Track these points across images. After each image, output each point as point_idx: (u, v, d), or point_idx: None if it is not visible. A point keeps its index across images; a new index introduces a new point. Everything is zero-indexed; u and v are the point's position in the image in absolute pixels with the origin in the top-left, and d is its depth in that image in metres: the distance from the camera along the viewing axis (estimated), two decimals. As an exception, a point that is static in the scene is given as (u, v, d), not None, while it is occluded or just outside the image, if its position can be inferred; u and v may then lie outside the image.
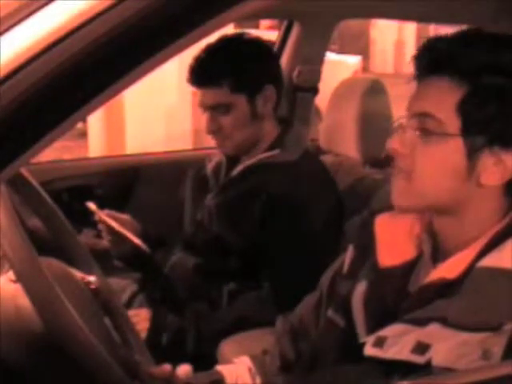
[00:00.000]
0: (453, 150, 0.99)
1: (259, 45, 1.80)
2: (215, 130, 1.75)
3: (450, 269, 1.01)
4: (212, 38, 1.49)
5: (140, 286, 1.86)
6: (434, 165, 1.00)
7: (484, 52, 0.98)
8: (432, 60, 1.02)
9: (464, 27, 1.09)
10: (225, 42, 1.75)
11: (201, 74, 1.73)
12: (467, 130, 0.98)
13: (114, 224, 1.74)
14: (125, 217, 1.90)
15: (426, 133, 1.00)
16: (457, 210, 1.03)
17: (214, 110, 1.73)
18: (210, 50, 1.73)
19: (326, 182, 1.82)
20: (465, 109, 0.98)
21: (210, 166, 1.90)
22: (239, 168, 1.80)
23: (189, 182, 1.96)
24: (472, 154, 0.98)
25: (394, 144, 1.03)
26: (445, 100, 0.99)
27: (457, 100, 0.98)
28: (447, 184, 1.01)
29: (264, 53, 1.83)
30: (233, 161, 1.83)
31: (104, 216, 1.74)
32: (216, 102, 1.72)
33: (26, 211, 1.23)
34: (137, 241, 1.78)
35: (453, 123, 0.99)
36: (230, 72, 1.71)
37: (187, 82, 1.76)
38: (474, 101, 0.98)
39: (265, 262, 1.70)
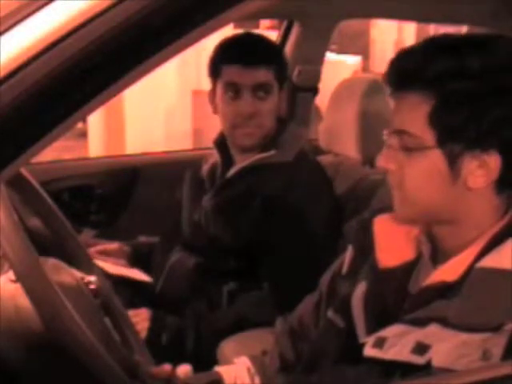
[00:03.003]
0: (434, 161, 1.00)
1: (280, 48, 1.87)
2: (253, 114, 1.71)
3: (449, 271, 1.01)
4: (212, 38, 1.49)
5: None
6: (420, 176, 1.02)
7: (446, 60, 0.98)
8: (399, 76, 1.03)
9: (464, 27, 1.10)
10: (255, 33, 1.82)
11: (254, 51, 1.73)
12: (443, 140, 0.99)
13: (108, 268, 1.72)
14: (114, 246, 1.93)
15: (406, 148, 1.02)
16: (452, 215, 1.03)
17: (257, 90, 1.71)
18: (252, 35, 1.79)
19: (322, 182, 1.82)
20: (436, 119, 0.99)
21: (205, 168, 1.89)
22: (235, 169, 1.80)
23: (186, 182, 1.96)
24: (453, 161, 0.99)
25: (381, 162, 1.06)
26: (416, 114, 1.00)
27: (427, 112, 0.99)
28: (437, 192, 1.02)
29: (284, 56, 1.91)
30: (228, 162, 1.82)
31: (96, 258, 1.72)
32: (264, 81, 1.72)
33: (26, 211, 1.23)
34: (134, 274, 1.79)
35: (428, 136, 1.00)
36: (275, 57, 1.77)
37: (226, 61, 1.73)
38: (443, 110, 0.98)
39: (263, 262, 1.70)
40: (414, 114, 1.01)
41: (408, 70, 1.01)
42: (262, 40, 1.78)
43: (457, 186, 1.00)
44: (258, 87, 1.71)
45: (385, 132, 1.07)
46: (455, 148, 0.99)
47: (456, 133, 0.98)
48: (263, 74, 1.72)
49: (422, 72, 0.99)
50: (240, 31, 1.84)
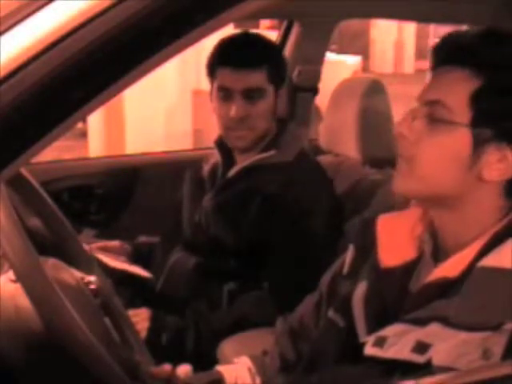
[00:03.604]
0: (459, 139, 0.99)
1: (278, 46, 1.85)
2: (244, 117, 1.70)
3: (450, 268, 1.01)
4: (212, 38, 1.49)
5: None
6: (437, 153, 1.01)
7: (503, 49, 0.99)
8: (452, 50, 1.03)
9: (464, 27, 1.10)
10: (251, 33, 1.78)
11: (243, 56, 1.70)
12: (477, 122, 0.98)
13: (108, 262, 1.73)
14: (115, 243, 1.93)
15: (434, 120, 1.01)
16: (456, 202, 1.03)
17: (247, 94, 1.70)
18: (246, 36, 1.75)
19: (322, 182, 1.82)
20: (477, 100, 0.98)
21: (206, 168, 1.89)
22: (235, 169, 1.80)
23: (186, 182, 1.96)
24: (478, 146, 0.98)
25: (401, 128, 1.04)
26: (459, 89, 1.00)
27: (471, 90, 0.99)
28: (448, 173, 1.01)
29: (282, 54, 1.91)
30: (229, 162, 1.83)
31: (97, 253, 1.72)
32: (254, 85, 1.70)
33: (26, 211, 1.23)
34: (134, 269, 1.79)
35: (463, 113, 0.99)
36: (268, 59, 1.72)
37: (218, 65, 1.72)
38: (488, 93, 0.98)
39: (263, 262, 1.70)
40: (457, 88, 1.00)
41: (464, 47, 1.01)
42: (255, 41, 1.75)
43: (470, 174, 1.00)
44: (250, 91, 1.70)
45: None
46: (485, 133, 0.98)
47: (492, 119, 0.98)
48: (254, 78, 1.70)
49: (479, 53, 0.99)
50: (240, 31, 1.84)
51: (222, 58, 1.71)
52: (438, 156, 1.01)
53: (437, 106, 1.00)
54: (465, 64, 1.00)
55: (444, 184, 1.02)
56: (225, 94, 1.71)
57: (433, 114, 1.01)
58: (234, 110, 1.69)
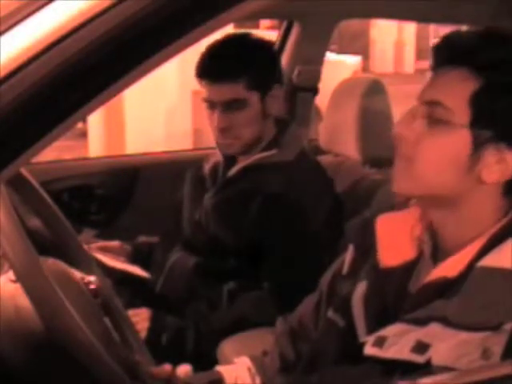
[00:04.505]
0: (458, 140, 0.99)
1: (267, 45, 1.80)
2: (226, 128, 1.71)
3: (449, 267, 1.01)
4: (212, 38, 1.49)
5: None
6: (437, 153, 1.00)
7: (503, 49, 0.98)
8: (451, 51, 1.02)
9: (464, 27, 1.10)
10: (234, 39, 1.75)
11: (217, 69, 1.69)
12: (476, 123, 0.98)
13: (106, 261, 1.73)
14: (114, 243, 1.93)
15: (433, 120, 1.00)
16: (455, 203, 1.03)
17: (227, 106, 1.70)
18: (223, 46, 1.71)
19: (323, 182, 1.82)
20: (477, 101, 0.98)
21: (207, 167, 1.89)
22: (236, 168, 1.80)
23: (187, 182, 1.96)
24: (477, 147, 0.98)
25: (400, 128, 1.03)
26: (458, 89, 0.99)
27: (470, 91, 0.99)
28: (447, 174, 1.01)
29: (272, 53, 1.85)
30: (230, 161, 1.83)
31: (96, 253, 1.72)
32: (231, 97, 1.69)
33: (26, 211, 1.23)
34: (133, 270, 1.79)
35: (462, 113, 0.99)
36: (246, 68, 1.69)
37: (198, 77, 1.72)
38: (487, 94, 0.98)
39: (264, 261, 1.70)
40: (457, 89, 0.99)
41: (463, 48, 1.00)
42: (231, 52, 1.71)
43: (470, 175, 0.99)
44: (229, 103, 1.69)
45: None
46: (484, 134, 0.98)
47: (491, 119, 0.98)
48: (231, 90, 1.68)
49: (478, 53, 0.99)
50: (240, 31, 1.84)
51: (200, 71, 1.71)
52: (438, 156, 1.00)
53: (436, 107, 1.00)
54: (464, 64, 1.00)
55: (443, 184, 1.02)
56: (209, 105, 1.73)
57: (432, 115, 1.00)
58: (216, 121, 1.71)
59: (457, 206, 1.03)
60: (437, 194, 1.03)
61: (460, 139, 0.99)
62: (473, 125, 0.98)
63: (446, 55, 1.03)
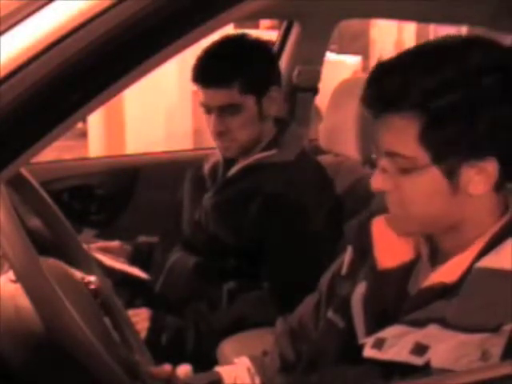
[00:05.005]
0: (431, 177, 0.99)
1: (264, 46, 1.80)
2: (223, 132, 1.72)
3: (448, 272, 1.01)
4: (212, 38, 1.49)
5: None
6: (420, 194, 1.01)
7: (424, 77, 0.96)
8: (381, 101, 1.01)
9: (464, 27, 1.09)
10: (229, 42, 1.74)
11: (210, 74, 1.70)
12: (437, 157, 0.98)
13: (106, 261, 1.73)
14: (114, 244, 1.92)
15: (401, 170, 1.01)
16: (454, 222, 1.03)
17: (223, 111, 1.70)
18: (217, 50, 1.71)
19: (323, 182, 1.82)
20: (427, 138, 0.97)
21: (207, 167, 1.90)
22: (236, 168, 1.80)
23: (187, 182, 1.96)
24: (451, 175, 0.98)
25: (376, 184, 1.04)
26: (405, 137, 0.99)
27: (416, 133, 0.98)
28: (439, 206, 1.01)
29: (269, 54, 1.85)
30: (230, 161, 1.83)
31: (95, 253, 1.72)
32: (226, 102, 1.69)
33: (26, 211, 1.23)
34: (132, 271, 1.79)
35: (421, 155, 0.98)
36: (240, 73, 1.69)
37: (193, 82, 1.73)
38: (433, 128, 0.97)
39: (263, 261, 1.70)
40: (404, 137, 0.99)
41: (390, 95, 0.98)
42: (224, 58, 1.70)
43: (458, 196, 1.00)
44: (223, 108, 1.70)
45: (374, 152, 1.05)
46: (451, 162, 0.98)
47: (449, 147, 0.97)
48: (225, 96, 1.69)
49: (405, 95, 0.97)
50: (240, 32, 1.83)
51: (195, 76, 1.72)
52: (423, 198, 1.01)
53: (397, 158, 1.00)
54: (397, 110, 0.98)
55: (439, 215, 1.02)
56: (205, 109, 1.74)
57: (398, 165, 1.01)
58: (212, 126, 1.72)
59: (456, 222, 1.03)
60: (436, 224, 1.04)
61: (432, 176, 0.99)
62: (436, 160, 0.98)
63: (378, 105, 1.02)
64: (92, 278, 1.17)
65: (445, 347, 0.93)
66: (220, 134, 1.73)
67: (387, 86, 0.99)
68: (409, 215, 1.03)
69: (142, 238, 2.05)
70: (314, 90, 2.45)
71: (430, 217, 1.03)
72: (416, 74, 0.97)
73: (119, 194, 2.32)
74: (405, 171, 1.00)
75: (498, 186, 1.01)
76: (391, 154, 1.01)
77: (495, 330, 0.91)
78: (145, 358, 1.17)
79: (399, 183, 1.02)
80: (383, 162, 1.03)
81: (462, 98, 0.95)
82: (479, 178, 0.98)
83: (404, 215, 1.04)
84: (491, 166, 0.97)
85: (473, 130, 0.96)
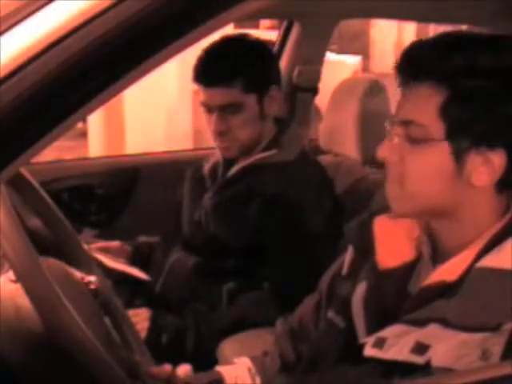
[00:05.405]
0: (439, 153, 1.00)
1: (264, 46, 1.80)
2: (223, 131, 1.72)
3: (449, 271, 1.01)
4: (212, 38, 1.49)
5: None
6: (423, 169, 1.01)
7: (460, 56, 0.98)
8: (412, 68, 1.03)
9: (464, 27, 1.10)
10: (230, 42, 1.75)
11: (211, 74, 1.70)
12: (452, 134, 0.99)
13: (106, 262, 1.73)
14: (114, 244, 1.93)
15: (411, 139, 1.01)
16: (453, 211, 1.03)
17: (224, 110, 1.70)
18: (218, 50, 1.71)
19: (323, 182, 1.82)
20: (447, 112, 0.99)
21: (207, 167, 1.90)
22: (236, 168, 1.80)
23: (187, 182, 1.96)
24: (459, 156, 0.99)
25: (383, 152, 1.05)
26: (427, 106, 1.00)
27: (439, 104, 0.99)
28: (439, 187, 1.02)
29: (269, 54, 1.85)
30: (230, 161, 1.83)
31: (95, 253, 1.72)
32: (227, 101, 1.69)
33: (26, 211, 1.23)
34: (132, 271, 1.79)
35: (437, 128, 0.99)
36: (241, 72, 1.69)
37: (194, 81, 1.73)
38: (455, 104, 0.98)
39: (263, 261, 1.70)
40: (425, 105, 1.00)
41: (424, 63, 1.01)
42: (226, 57, 1.71)
43: (460, 182, 1.00)
44: (224, 107, 1.70)
45: (387, 123, 1.06)
46: (462, 142, 0.98)
47: (465, 127, 0.98)
48: (226, 95, 1.69)
49: (438, 66, 0.99)
50: (240, 32, 1.83)
51: (195, 75, 1.72)
52: (424, 172, 1.02)
53: (411, 126, 1.01)
54: (429, 78, 1.00)
55: (436, 197, 1.03)
56: (206, 109, 1.74)
57: (409, 134, 1.02)
58: (212, 125, 1.72)
59: (454, 212, 1.03)
60: (433, 207, 1.04)
61: (441, 152, 1.00)
62: (449, 136, 0.99)
63: (409, 72, 1.04)
64: (92, 278, 1.17)
65: (445, 346, 0.93)
66: (221, 134, 1.73)
67: (423, 56, 1.01)
68: (408, 192, 1.03)
69: (142, 238, 2.05)
70: (314, 90, 2.45)
71: (426, 197, 1.03)
72: (454, 52, 0.99)
73: (119, 194, 2.32)
74: (415, 142, 1.01)
75: (501, 186, 1.01)
76: (407, 122, 1.02)
77: (495, 329, 0.91)
78: (145, 358, 1.17)
79: (405, 155, 1.02)
80: (394, 131, 1.04)
81: (487, 86, 0.97)
82: (484, 168, 0.99)
83: (404, 191, 1.04)
84: (498, 159, 0.98)
85: (490, 118, 0.97)
